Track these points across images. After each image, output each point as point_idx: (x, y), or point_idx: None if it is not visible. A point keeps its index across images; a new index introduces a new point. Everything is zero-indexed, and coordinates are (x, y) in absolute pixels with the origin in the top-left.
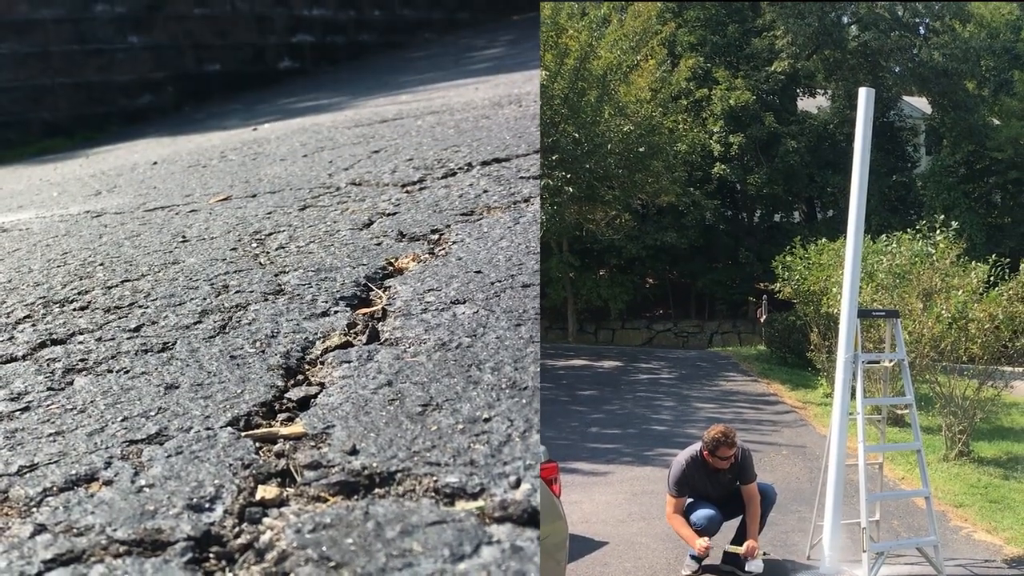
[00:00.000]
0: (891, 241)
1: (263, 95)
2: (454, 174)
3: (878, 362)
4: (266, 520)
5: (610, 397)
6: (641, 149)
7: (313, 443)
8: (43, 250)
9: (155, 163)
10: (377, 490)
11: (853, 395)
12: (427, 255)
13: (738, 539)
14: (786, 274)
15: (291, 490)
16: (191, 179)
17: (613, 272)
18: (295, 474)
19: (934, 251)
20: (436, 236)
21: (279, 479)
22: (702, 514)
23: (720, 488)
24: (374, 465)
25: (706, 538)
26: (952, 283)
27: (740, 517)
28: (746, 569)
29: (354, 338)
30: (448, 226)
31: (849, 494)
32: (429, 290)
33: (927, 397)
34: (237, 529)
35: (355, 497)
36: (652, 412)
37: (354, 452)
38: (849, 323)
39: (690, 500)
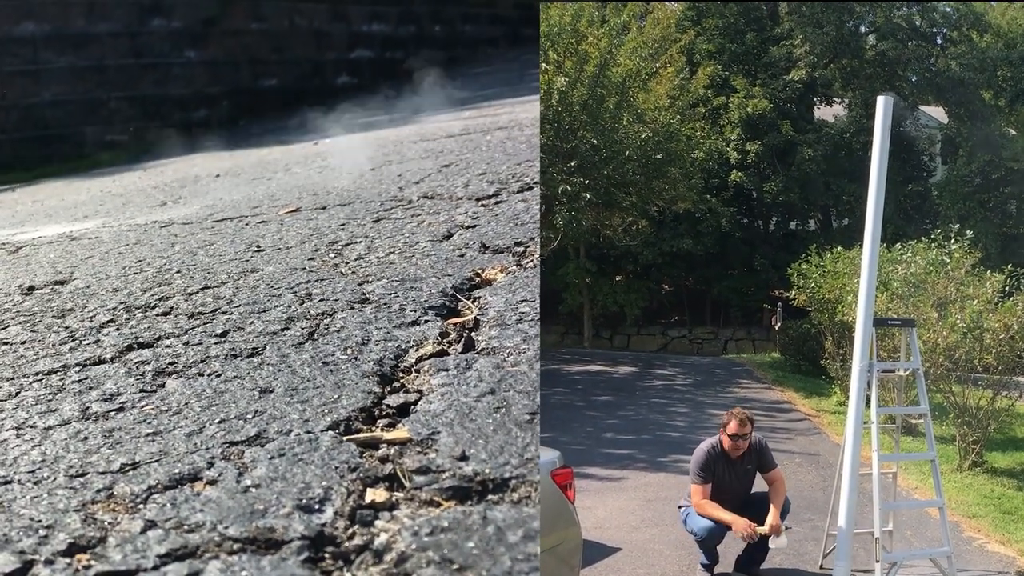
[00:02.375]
0: (906, 250)
1: (320, 110)
2: (530, 188)
3: (893, 371)
4: (378, 523)
5: (625, 403)
6: (659, 156)
7: (419, 449)
8: (116, 258)
9: (218, 175)
10: (491, 496)
11: (868, 404)
12: (514, 267)
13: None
14: (801, 282)
15: (400, 494)
16: (257, 191)
17: (629, 278)
18: (403, 478)
19: (949, 260)
20: (521, 248)
21: (387, 483)
22: (703, 526)
23: (740, 479)
24: (486, 471)
25: (748, 522)
26: (967, 293)
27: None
28: (770, 546)
29: (448, 347)
30: (532, 239)
31: (862, 503)
32: (522, 301)
33: (941, 407)
34: (350, 530)
35: (469, 502)
36: (666, 418)
37: (464, 458)
38: (864, 331)
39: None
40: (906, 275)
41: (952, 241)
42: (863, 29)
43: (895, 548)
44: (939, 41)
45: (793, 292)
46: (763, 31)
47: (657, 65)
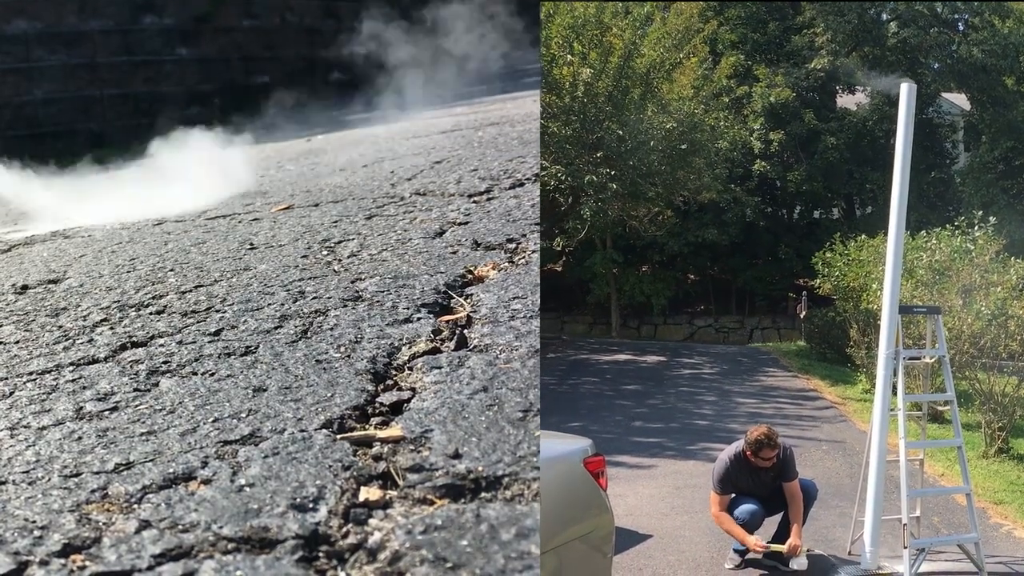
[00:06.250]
0: (930, 237)
1: (313, 107)
2: (522, 184)
3: (919, 358)
4: (372, 521)
5: (653, 391)
6: (683, 146)
7: (412, 447)
8: (110, 256)
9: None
10: (484, 494)
11: (894, 391)
12: (507, 263)
13: (779, 536)
14: (826, 270)
15: (394, 492)
16: (249, 188)
17: (655, 268)
18: (397, 477)
19: (973, 247)
20: (513, 245)
21: (380, 481)
22: (744, 509)
23: (763, 486)
24: (479, 469)
25: (757, 537)
26: (991, 279)
27: (782, 513)
28: (790, 566)
29: (441, 344)
30: (524, 235)
31: (889, 490)
32: (514, 298)
33: (966, 394)
34: (344, 529)
35: (462, 500)
36: (694, 407)
37: (457, 456)
38: (890, 319)
39: (733, 496)
40: (930, 262)
41: (976, 228)
42: (884, 16)
43: (922, 534)
44: (961, 27)
45: (818, 281)
46: (785, 20)
47: (681, 55)
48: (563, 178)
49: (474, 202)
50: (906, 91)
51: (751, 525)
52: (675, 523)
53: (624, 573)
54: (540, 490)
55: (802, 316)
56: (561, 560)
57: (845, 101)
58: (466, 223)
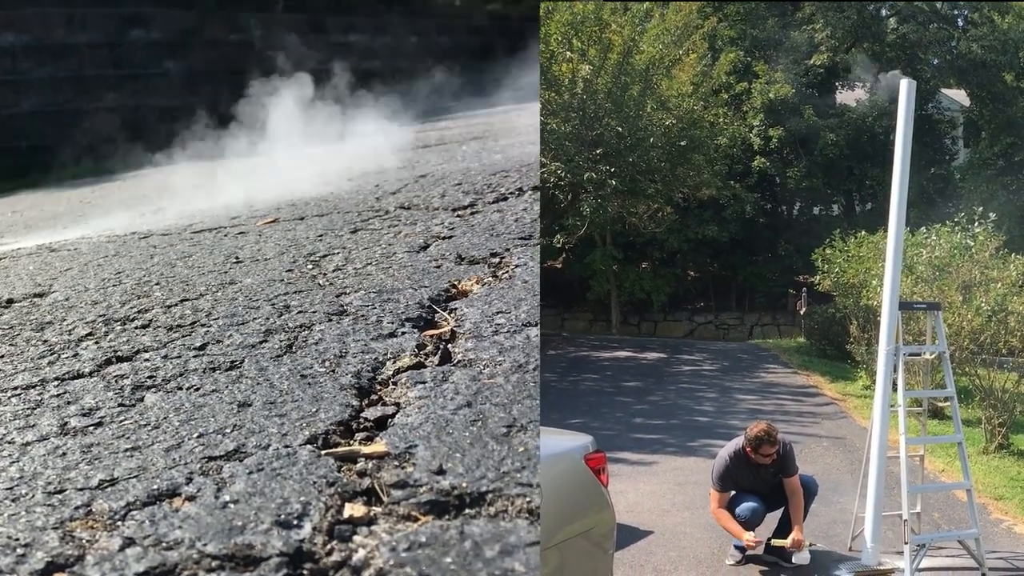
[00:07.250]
0: (930, 233)
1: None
2: (506, 199)
3: (919, 354)
4: (356, 538)
5: (654, 388)
6: (683, 143)
7: (397, 462)
8: (95, 269)
9: (196, 186)
10: (468, 510)
11: (894, 387)
12: (490, 278)
13: (780, 531)
14: (825, 267)
15: (378, 509)
16: (235, 201)
17: (655, 265)
18: (381, 493)
19: (973, 244)
20: (497, 260)
21: (365, 497)
22: (746, 506)
23: (763, 483)
24: (463, 485)
25: (753, 533)
26: (991, 276)
27: (782, 509)
28: (793, 561)
29: (425, 359)
30: (508, 250)
31: (890, 486)
32: (498, 312)
33: (966, 390)
34: (328, 546)
35: (446, 516)
36: (695, 403)
37: (441, 472)
38: (891, 315)
39: (733, 493)
40: (930, 259)
41: (976, 224)
42: (884, 13)
43: (923, 530)
44: (960, 23)
45: (817, 277)
46: (784, 16)
47: (680, 52)
48: (563, 175)
49: (458, 216)
50: (905, 87)
51: (752, 522)
52: (676, 519)
53: (625, 569)
54: (541, 487)
55: (802, 312)
56: (563, 556)
57: (844, 97)
58: (450, 237)
